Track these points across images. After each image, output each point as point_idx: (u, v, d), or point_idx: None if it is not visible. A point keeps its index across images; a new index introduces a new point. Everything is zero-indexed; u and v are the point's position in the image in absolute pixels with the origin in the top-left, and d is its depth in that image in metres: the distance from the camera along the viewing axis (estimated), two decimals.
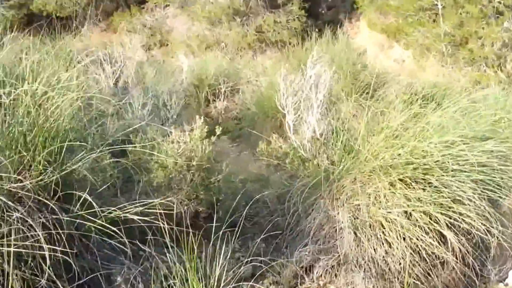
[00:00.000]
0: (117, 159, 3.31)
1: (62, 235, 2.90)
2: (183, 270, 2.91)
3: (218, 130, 3.90)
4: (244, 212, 3.96)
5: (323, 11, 12.54)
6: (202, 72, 7.06)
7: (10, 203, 2.68)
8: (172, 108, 4.97)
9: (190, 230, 2.97)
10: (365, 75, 6.36)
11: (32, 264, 2.77)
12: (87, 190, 2.86)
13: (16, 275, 2.73)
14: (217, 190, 3.93)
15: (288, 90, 4.22)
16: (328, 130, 4.17)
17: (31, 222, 2.69)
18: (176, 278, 2.88)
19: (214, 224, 3.04)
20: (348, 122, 3.94)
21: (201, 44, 10.94)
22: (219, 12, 11.17)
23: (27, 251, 2.70)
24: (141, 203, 3.01)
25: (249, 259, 3.24)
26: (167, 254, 2.96)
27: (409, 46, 9.63)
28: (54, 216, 2.80)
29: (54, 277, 2.76)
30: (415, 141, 3.70)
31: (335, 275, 3.56)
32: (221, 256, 3.07)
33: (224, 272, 2.92)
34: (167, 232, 2.96)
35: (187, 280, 2.92)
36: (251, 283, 3.14)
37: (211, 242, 3.27)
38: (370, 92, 5.34)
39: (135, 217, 2.95)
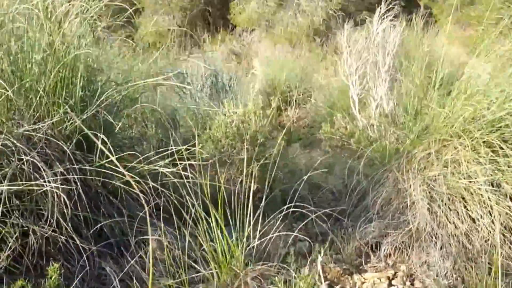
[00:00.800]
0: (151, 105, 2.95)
1: (86, 190, 2.57)
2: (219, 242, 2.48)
3: (273, 102, 3.49)
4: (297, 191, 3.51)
5: None
6: (275, 78, 6.75)
7: (20, 145, 2.31)
8: (232, 90, 4.62)
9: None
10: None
11: (51, 220, 2.38)
12: (101, 131, 2.46)
13: (34, 231, 2.37)
14: (274, 167, 3.48)
15: (351, 53, 3.73)
16: (397, 104, 3.62)
17: (42, 167, 2.32)
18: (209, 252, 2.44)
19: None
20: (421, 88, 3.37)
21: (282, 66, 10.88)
22: (299, 32, 11.05)
23: (34, 190, 2.38)
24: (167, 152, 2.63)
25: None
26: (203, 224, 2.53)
27: (489, 57, 9.02)
28: (73, 166, 2.42)
29: (73, 234, 2.37)
30: (505, 98, 3.07)
31: (407, 254, 2.96)
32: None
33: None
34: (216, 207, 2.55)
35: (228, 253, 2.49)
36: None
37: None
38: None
39: (165, 170, 2.55)
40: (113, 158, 2.38)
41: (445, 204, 2.93)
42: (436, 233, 2.92)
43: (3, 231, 2.25)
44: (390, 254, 2.95)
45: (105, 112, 2.58)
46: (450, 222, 2.88)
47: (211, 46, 11.63)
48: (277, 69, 7.05)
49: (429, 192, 3.02)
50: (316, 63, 8.57)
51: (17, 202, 2.37)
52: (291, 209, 2.88)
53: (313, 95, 6.56)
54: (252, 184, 3.56)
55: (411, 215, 2.99)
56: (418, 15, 6.46)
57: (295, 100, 6.62)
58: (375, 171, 3.29)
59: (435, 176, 3.03)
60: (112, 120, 2.58)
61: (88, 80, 2.71)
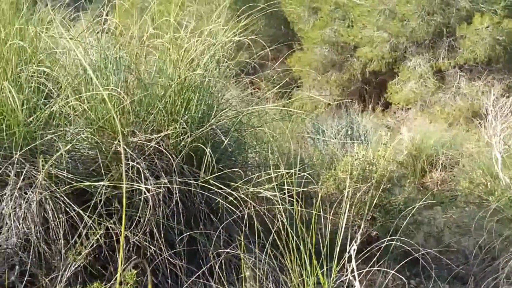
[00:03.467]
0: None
1: (189, 205, 2.39)
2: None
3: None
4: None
5: None
6: (422, 142, 6.37)
7: (130, 151, 2.23)
8: (366, 139, 4.39)
9: None
10: None
11: (147, 230, 2.23)
12: (209, 146, 2.32)
13: (127, 237, 2.21)
14: (397, 215, 3.17)
15: (497, 116, 3.37)
16: None
17: (145, 173, 2.19)
18: None
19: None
20: None
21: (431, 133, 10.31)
22: (457, 114, 10.42)
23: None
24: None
25: None
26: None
27: None
28: (179, 179, 2.27)
29: (162, 245, 2.21)
30: None
31: None
32: None
33: None
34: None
35: None
36: None
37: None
38: None
39: (268, 193, 2.30)
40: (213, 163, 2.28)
41: None
42: None
43: (96, 232, 2.14)
44: None
45: (219, 131, 2.44)
46: None
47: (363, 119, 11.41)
48: (425, 136, 6.69)
49: None
50: (469, 135, 7.97)
51: (118, 206, 2.28)
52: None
53: (461, 161, 6.03)
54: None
55: None
56: None
57: (441, 163, 6.14)
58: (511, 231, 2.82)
59: None
60: (223, 138, 2.40)
61: (208, 105, 2.63)
